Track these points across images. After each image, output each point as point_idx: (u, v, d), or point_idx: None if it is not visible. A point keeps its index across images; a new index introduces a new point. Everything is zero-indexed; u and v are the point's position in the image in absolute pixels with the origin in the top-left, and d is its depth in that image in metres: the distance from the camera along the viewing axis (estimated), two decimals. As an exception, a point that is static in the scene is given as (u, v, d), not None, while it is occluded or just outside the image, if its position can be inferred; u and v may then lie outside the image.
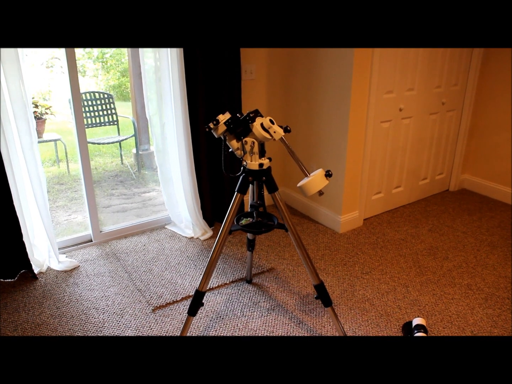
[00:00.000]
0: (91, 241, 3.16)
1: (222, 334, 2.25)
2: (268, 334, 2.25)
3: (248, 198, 2.21)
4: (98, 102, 5.11)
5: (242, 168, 1.96)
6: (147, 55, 2.81)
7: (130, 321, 2.34)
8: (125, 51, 6.49)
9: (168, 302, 2.50)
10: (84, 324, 2.33)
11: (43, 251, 2.83)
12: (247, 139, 1.89)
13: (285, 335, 2.24)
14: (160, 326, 2.30)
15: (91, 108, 5.04)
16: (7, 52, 2.32)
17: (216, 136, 1.94)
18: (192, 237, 3.25)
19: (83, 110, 2.82)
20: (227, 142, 1.94)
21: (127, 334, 2.25)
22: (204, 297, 2.53)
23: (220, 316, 2.39)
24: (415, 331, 2.16)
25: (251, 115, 1.86)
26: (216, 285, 2.65)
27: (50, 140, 5.09)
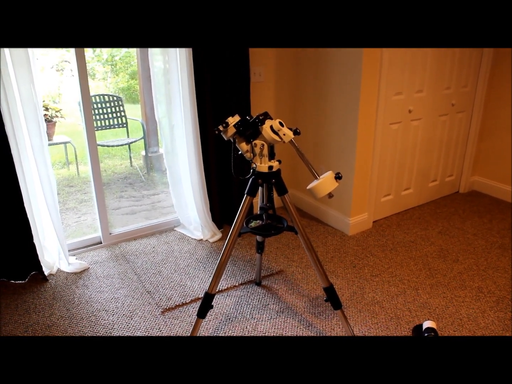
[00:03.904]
0: (101, 243, 3.18)
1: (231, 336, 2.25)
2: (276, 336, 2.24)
3: (258, 201, 2.21)
4: (108, 104, 5.14)
5: (251, 170, 1.96)
6: (156, 57, 2.82)
7: (140, 323, 2.35)
8: (134, 54, 6.53)
9: (177, 304, 2.50)
10: (94, 326, 2.34)
11: (53, 253, 2.85)
12: (256, 141, 1.89)
13: (294, 336, 2.24)
14: (169, 328, 2.31)
15: (100, 111, 5.08)
16: (18, 55, 2.34)
17: (225, 139, 1.95)
18: (201, 239, 3.26)
19: (92, 112, 2.83)
20: (236, 145, 1.94)
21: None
22: (214, 300, 2.52)
23: (230, 319, 2.39)
24: (426, 334, 2.15)
25: (260, 117, 1.86)
26: (226, 288, 2.65)
27: (60, 143, 5.14)
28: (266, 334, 2.26)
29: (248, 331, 2.29)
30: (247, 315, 2.41)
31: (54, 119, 5.04)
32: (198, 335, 2.25)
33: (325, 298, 2.11)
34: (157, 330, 2.30)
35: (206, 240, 3.25)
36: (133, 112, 6.76)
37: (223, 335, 2.26)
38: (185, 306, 2.49)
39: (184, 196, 3.26)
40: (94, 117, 4.90)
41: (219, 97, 3.04)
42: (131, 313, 2.43)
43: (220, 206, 3.36)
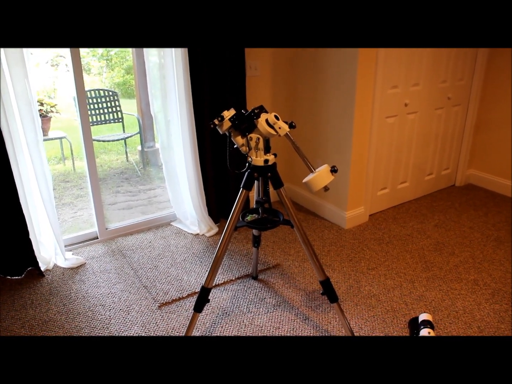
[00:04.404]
0: (97, 238, 3.17)
1: (228, 330, 2.25)
2: (274, 331, 2.25)
3: (254, 194, 2.20)
4: (103, 99, 5.12)
5: (247, 164, 1.96)
6: (152, 52, 2.81)
7: (136, 318, 2.35)
8: (129, 49, 6.50)
9: (174, 298, 2.50)
10: (91, 320, 2.34)
11: (49, 248, 2.84)
12: (252, 135, 1.88)
13: (291, 331, 2.24)
14: (166, 323, 2.31)
15: (96, 106, 5.05)
16: (12, 51, 2.32)
17: (221, 133, 1.94)
18: (197, 234, 3.25)
19: (88, 107, 2.82)
20: (232, 139, 1.94)
21: (133, 331, 2.26)
22: (210, 294, 2.53)
23: (226, 313, 2.39)
24: (422, 327, 2.15)
25: (256, 111, 1.85)
26: (222, 282, 2.66)
27: (56, 138, 5.11)
28: (263, 328, 2.27)
29: (245, 325, 2.29)
30: (243, 309, 2.42)
31: (49, 114, 5.01)
32: (194, 329, 2.26)
33: (321, 292, 2.12)
34: (153, 324, 2.30)
35: (203, 235, 3.25)
36: (129, 107, 6.73)
37: (220, 329, 2.27)
38: (182, 301, 2.50)
39: (180, 190, 3.25)
40: (89, 112, 4.87)
41: (214, 91, 3.03)
42: (128, 308, 2.43)
43: (216, 201, 3.36)
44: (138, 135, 5.28)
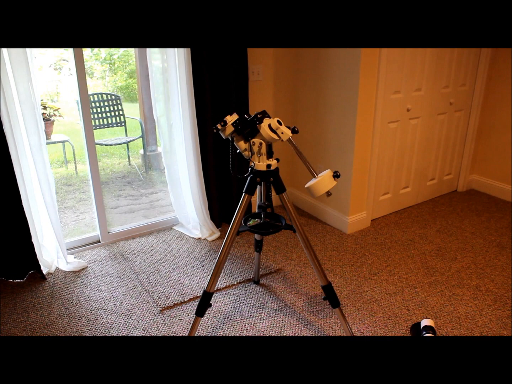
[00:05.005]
0: (99, 242, 3.18)
1: (229, 335, 2.25)
2: (275, 335, 2.24)
3: (256, 199, 2.21)
4: (106, 103, 5.13)
5: (249, 169, 1.96)
6: (155, 56, 2.82)
7: (138, 322, 2.35)
8: (132, 52, 6.52)
9: (175, 302, 2.50)
10: (92, 324, 2.34)
11: (51, 251, 2.85)
12: (254, 140, 1.89)
13: (293, 336, 2.24)
14: (167, 327, 2.31)
15: (98, 110, 5.06)
16: (16, 54, 2.33)
17: (223, 137, 1.95)
18: (199, 238, 3.26)
19: (91, 111, 2.83)
20: (234, 143, 1.94)
21: (135, 335, 2.25)
22: (212, 298, 2.53)
23: (228, 317, 2.39)
24: (424, 333, 2.15)
25: (258, 116, 1.86)
26: (224, 286, 2.66)
27: (58, 142, 5.12)
28: (264, 333, 2.26)
29: (247, 329, 2.29)
30: (245, 314, 2.41)
31: (52, 118, 5.03)
32: (196, 333, 2.26)
33: (323, 297, 2.12)
34: (155, 328, 2.30)
35: (205, 239, 3.25)
36: (131, 110, 6.74)
37: (221, 333, 2.26)
38: (183, 305, 2.50)
39: (182, 194, 3.26)
40: (92, 116, 4.90)
41: (217, 95, 3.04)
42: (130, 312, 2.43)
43: (219, 205, 3.36)
44: (141, 139, 5.29)
